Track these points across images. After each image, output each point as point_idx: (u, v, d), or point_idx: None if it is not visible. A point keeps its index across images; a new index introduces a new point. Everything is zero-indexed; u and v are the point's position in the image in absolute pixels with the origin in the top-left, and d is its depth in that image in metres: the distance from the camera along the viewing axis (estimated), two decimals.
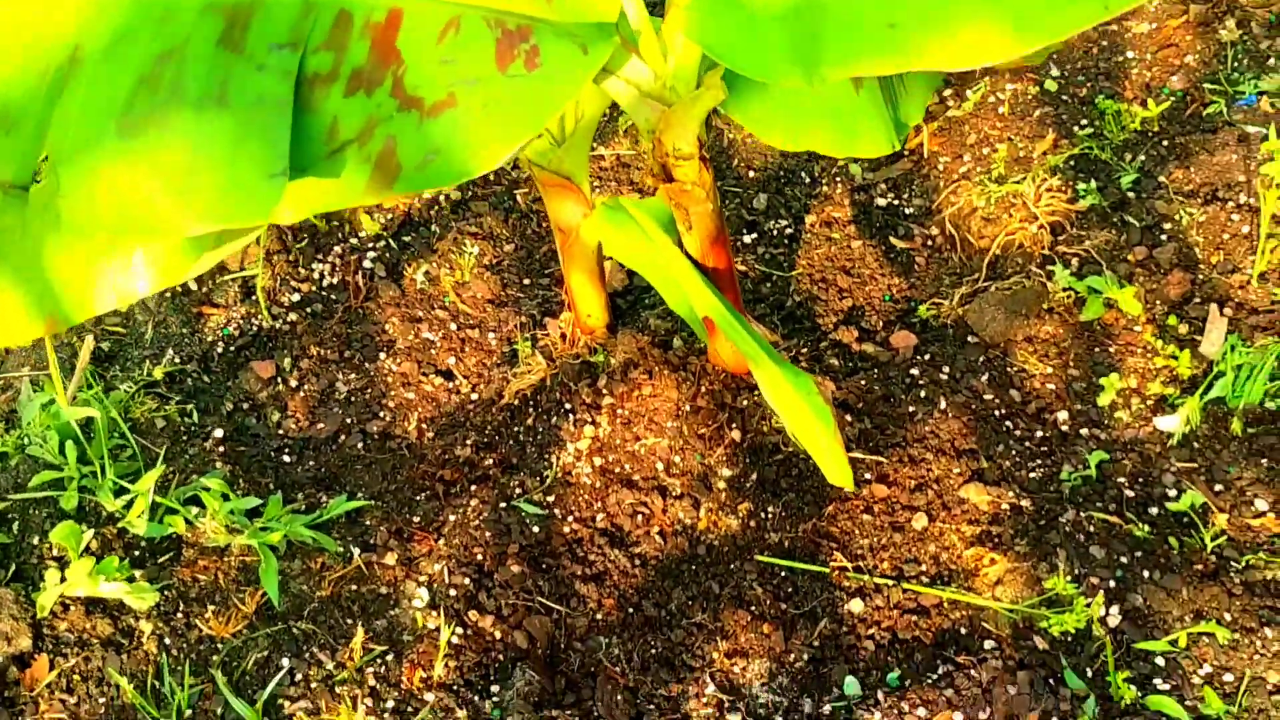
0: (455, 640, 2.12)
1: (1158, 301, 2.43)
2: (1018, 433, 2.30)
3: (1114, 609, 2.03)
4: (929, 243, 2.68)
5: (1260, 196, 2.43)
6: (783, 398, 1.86)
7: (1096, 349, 2.39)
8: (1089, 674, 1.97)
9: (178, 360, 2.64)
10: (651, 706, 2.04)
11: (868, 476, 2.26)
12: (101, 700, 2.09)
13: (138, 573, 2.21)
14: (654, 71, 1.70)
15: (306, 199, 1.36)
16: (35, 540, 2.26)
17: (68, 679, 2.10)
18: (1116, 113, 2.73)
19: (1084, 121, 2.77)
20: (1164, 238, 2.52)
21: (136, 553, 2.26)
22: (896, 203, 2.77)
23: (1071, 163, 2.69)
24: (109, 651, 2.13)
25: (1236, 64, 2.77)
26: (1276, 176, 2.40)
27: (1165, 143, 2.68)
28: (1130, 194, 2.60)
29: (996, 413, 2.33)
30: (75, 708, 2.08)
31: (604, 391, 2.39)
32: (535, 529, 2.26)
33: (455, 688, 2.07)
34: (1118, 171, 2.65)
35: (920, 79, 2.00)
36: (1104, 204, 2.59)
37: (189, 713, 2.07)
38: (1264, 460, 2.17)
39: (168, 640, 2.15)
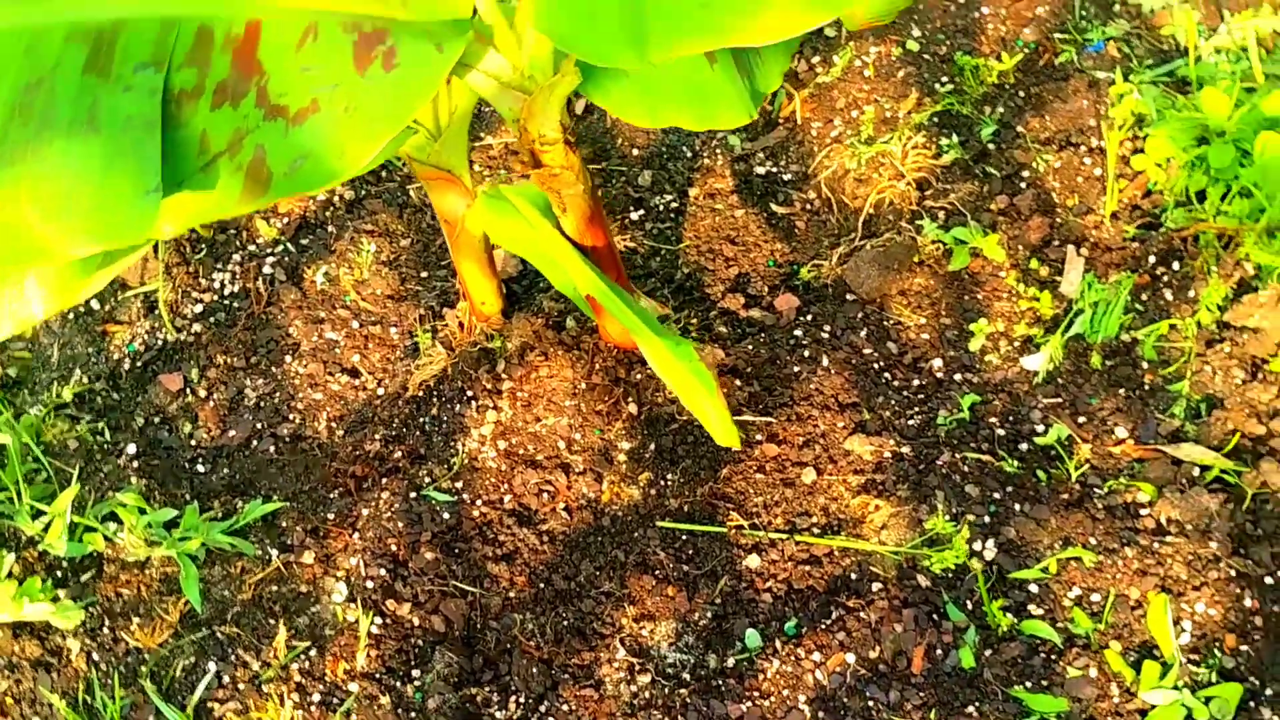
0: (375, 630, 2.21)
1: (1020, 246, 2.56)
2: (896, 383, 2.43)
3: (989, 543, 2.17)
4: (807, 206, 2.79)
5: (1107, 139, 2.57)
6: (667, 366, 1.96)
7: (965, 297, 2.52)
8: (969, 606, 2.11)
9: (86, 380, 2.68)
10: (566, 675, 2.15)
11: (759, 437, 2.37)
12: None
13: (61, 592, 2.28)
14: (511, 63, 1.77)
15: (186, 211, 1.42)
16: None
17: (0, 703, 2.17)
18: (975, 68, 2.85)
19: (945, 79, 2.88)
20: (1023, 185, 2.65)
21: (59, 573, 2.33)
22: (775, 170, 2.88)
23: (935, 119, 2.81)
24: (39, 671, 2.20)
25: (1084, 12, 2.90)
26: (1120, 119, 2.54)
27: (1021, 93, 2.80)
28: (990, 145, 2.73)
29: (875, 365, 2.45)
30: None
31: (503, 376, 2.48)
32: (446, 515, 2.35)
33: (378, 675, 2.17)
34: (978, 124, 2.77)
35: (776, 49, 2.08)
36: (966, 157, 2.71)
37: None
38: (1121, 390, 2.31)
39: (96, 656, 2.22)
